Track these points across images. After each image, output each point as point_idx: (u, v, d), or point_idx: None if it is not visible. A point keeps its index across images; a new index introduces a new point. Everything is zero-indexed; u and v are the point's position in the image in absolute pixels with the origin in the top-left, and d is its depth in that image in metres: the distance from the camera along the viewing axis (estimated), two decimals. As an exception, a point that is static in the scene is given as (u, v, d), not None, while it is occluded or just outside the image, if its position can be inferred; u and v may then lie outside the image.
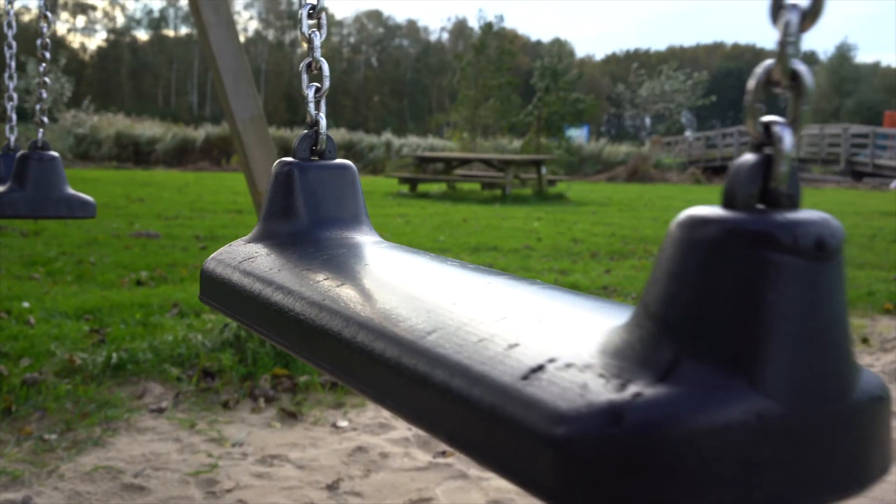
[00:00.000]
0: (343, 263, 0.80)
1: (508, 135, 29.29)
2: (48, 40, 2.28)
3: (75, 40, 61.45)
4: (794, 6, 0.47)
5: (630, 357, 0.46)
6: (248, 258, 0.88)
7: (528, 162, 16.63)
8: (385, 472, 2.78)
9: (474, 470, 2.79)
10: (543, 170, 16.03)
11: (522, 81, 32.59)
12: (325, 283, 0.74)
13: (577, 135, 32.48)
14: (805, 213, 0.45)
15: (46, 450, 2.82)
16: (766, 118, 0.48)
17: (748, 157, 0.47)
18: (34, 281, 5.57)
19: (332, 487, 2.66)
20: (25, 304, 4.66)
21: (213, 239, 7.91)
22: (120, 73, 56.88)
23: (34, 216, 2.12)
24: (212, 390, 3.46)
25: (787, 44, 0.47)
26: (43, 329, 4.12)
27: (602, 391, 0.44)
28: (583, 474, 0.42)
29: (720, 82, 64.88)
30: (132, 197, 12.66)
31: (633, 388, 0.43)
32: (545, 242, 8.64)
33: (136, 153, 26.58)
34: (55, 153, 2.15)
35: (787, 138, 0.46)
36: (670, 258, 0.46)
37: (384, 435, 3.10)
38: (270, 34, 61.32)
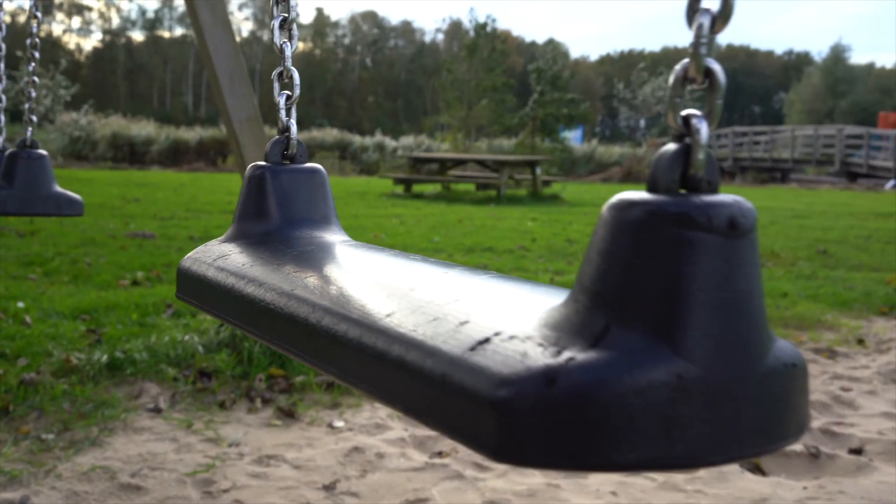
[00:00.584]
0: (311, 258, 0.85)
1: (503, 136, 29.27)
2: (37, 40, 2.30)
3: (71, 41, 61.23)
4: (707, 10, 0.52)
5: (566, 328, 0.50)
6: (222, 256, 0.93)
7: (522, 163, 16.64)
8: (381, 473, 2.79)
9: (470, 470, 2.80)
10: (538, 170, 16.04)
11: (517, 82, 32.56)
12: (293, 276, 0.79)
13: (573, 137, 32.51)
14: (720, 197, 0.50)
15: (44, 449, 2.83)
16: (685, 111, 0.52)
17: (669, 147, 0.52)
18: (30, 281, 5.57)
19: (328, 488, 2.67)
20: (21, 304, 4.66)
21: (208, 239, 7.90)
22: (115, 73, 56.72)
23: (22, 213, 2.14)
24: (208, 390, 3.46)
25: (700, 44, 0.51)
26: (40, 329, 4.12)
27: (540, 357, 0.48)
28: (522, 432, 0.46)
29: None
30: (128, 197, 12.64)
31: (567, 354, 0.47)
32: (540, 243, 8.66)
33: (131, 153, 26.52)
34: (44, 152, 2.18)
35: (703, 129, 0.51)
36: (601, 238, 0.50)
37: (380, 435, 3.11)
38: (265, 35, 61.26)
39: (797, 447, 3.04)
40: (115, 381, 3.49)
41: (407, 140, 30.50)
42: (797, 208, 14.70)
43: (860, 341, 4.74)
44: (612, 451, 0.45)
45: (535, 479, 2.76)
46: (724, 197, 0.50)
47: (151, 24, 61.49)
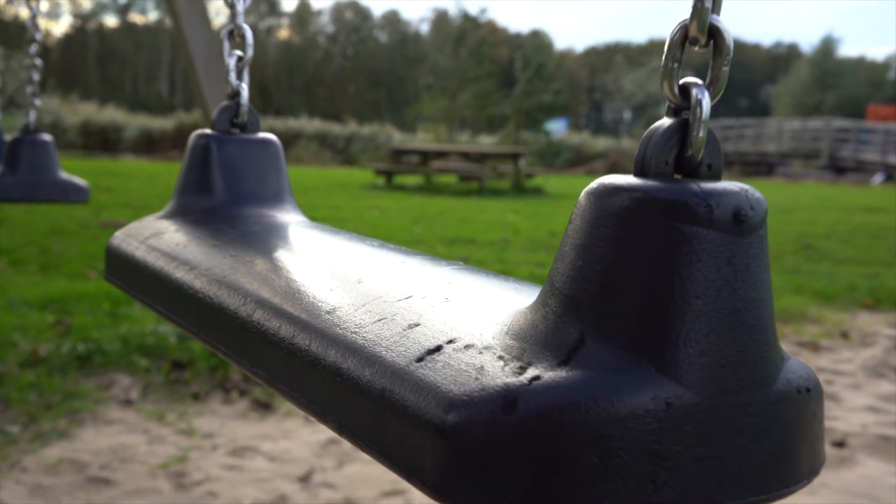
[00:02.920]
0: (255, 241, 0.77)
1: (486, 132, 29.17)
2: (38, 22, 2.23)
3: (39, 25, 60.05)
4: None
5: (532, 338, 0.42)
6: (155, 234, 0.84)
7: (505, 155, 16.60)
8: (358, 464, 2.73)
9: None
10: (521, 163, 16.00)
11: (501, 71, 32.45)
12: (229, 260, 0.71)
13: (557, 128, 32.50)
14: (725, 184, 0.42)
15: (9, 442, 2.75)
16: (684, 80, 0.44)
17: (663, 122, 0.44)
18: (-3, 270, 5.45)
19: (303, 479, 2.61)
20: (-13, 294, 4.56)
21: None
22: (87, 59, 55.88)
23: (27, 200, 2.09)
24: (182, 381, 3.39)
25: None
26: (5, 319, 4.02)
27: (498, 374, 0.40)
28: (471, 467, 0.38)
29: (701, 75, 65.12)
30: (100, 186, 12.45)
31: (531, 372, 0.39)
32: (522, 235, 8.61)
33: (103, 141, 26.06)
34: (48, 136, 2.12)
35: (706, 101, 0.43)
36: (577, 230, 0.43)
37: (358, 427, 3.05)
38: (245, 22, 60.36)
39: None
40: (85, 372, 3.41)
41: (391, 130, 30.32)
42: (782, 202, 14.74)
43: (844, 335, 4.72)
44: (582, 496, 0.37)
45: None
46: (729, 184, 0.42)
47: (124, 9, 60.63)
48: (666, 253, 0.39)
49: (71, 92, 33.88)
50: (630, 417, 0.37)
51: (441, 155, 17.42)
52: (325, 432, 2.97)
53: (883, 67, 68.82)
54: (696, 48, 0.45)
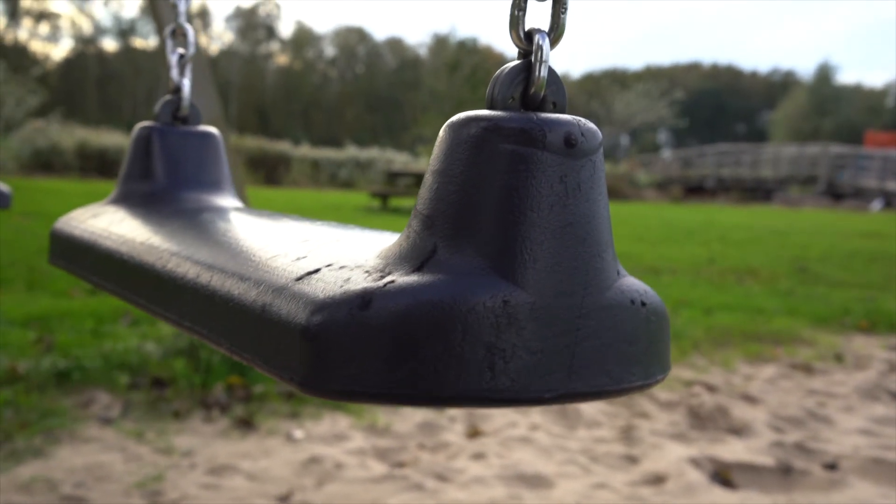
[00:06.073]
0: (184, 215, 0.82)
1: None
2: None
3: (39, 49, 60.06)
4: None
5: (395, 254, 0.48)
6: (94, 215, 0.90)
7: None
8: (339, 483, 2.67)
9: (431, 481, 2.69)
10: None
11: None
12: (154, 228, 0.76)
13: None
14: (562, 116, 0.47)
15: (-18, 460, 2.68)
16: (528, 27, 0.49)
17: (509, 63, 0.49)
18: (-17, 289, 5.40)
19: (283, 499, 2.55)
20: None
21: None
22: (86, 83, 56.01)
23: None
24: (163, 399, 3.33)
25: None
26: (-13, 337, 3.96)
27: (360, 282, 0.45)
28: (331, 359, 0.43)
29: (698, 102, 65.51)
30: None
31: (388, 278, 0.44)
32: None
33: (100, 164, 26.03)
34: None
35: (546, 45, 0.49)
36: (436, 157, 0.48)
37: (340, 445, 2.99)
38: (243, 47, 60.95)
39: (768, 461, 2.95)
40: (64, 389, 3.35)
41: (389, 153, 30.37)
42: (778, 226, 14.74)
43: (838, 357, 4.67)
44: (428, 382, 0.41)
45: (496, 490, 2.65)
46: (566, 116, 0.47)
47: (125, 33, 60.79)
48: (506, 172, 0.45)
49: (71, 116, 33.89)
50: (470, 313, 0.42)
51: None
52: (306, 451, 2.91)
53: (881, 94, 69.23)
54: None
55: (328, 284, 0.46)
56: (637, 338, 0.47)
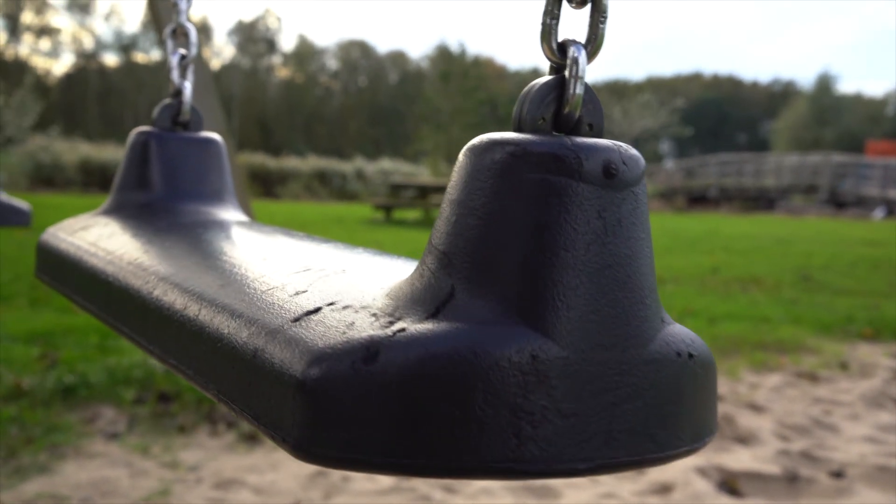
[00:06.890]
0: (179, 231, 0.76)
1: None
2: None
3: (39, 64, 60.11)
4: None
5: (408, 295, 0.42)
6: (84, 227, 0.83)
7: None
8: (346, 496, 2.66)
9: (438, 493, 2.68)
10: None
11: (490, 101, 32.61)
12: (144, 246, 0.70)
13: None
14: (600, 140, 0.42)
15: (-13, 476, 2.68)
16: (562, 38, 0.44)
17: (540, 79, 0.44)
18: (-15, 306, 5.41)
19: (288, 513, 2.54)
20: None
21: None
22: (86, 97, 56.16)
23: None
24: (168, 414, 3.33)
25: None
26: (-10, 353, 3.96)
27: (366, 329, 0.39)
28: (330, 421, 0.37)
29: (699, 112, 65.54)
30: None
31: (398, 325, 0.39)
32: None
33: (102, 179, 26.11)
34: None
35: (582, 59, 0.43)
36: (455, 186, 0.42)
37: (346, 459, 2.98)
38: (245, 61, 61.12)
39: (774, 469, 2.94)
40: (69, 405, 3.35)
41: (390, 164, 30.44)
42: (782, 235, 14.72)
43: (843, 365, 4.66)
44: (442, 448, 0.35)
45: (504, 500, 2.65)
46: (605, 141, 0.42)
47: (126, 48, 60.94)
48: (535, 205, 0.39)
49: (72, 131, 33.93)
50: (493, 369, 0.36)
51: (440, 189, 17.46)
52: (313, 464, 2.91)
53: (881, 103, 69.26)
54: (573, 6, 0.44)
55: (329, 329, 0.40)
56: (684, 396, 0.41)
